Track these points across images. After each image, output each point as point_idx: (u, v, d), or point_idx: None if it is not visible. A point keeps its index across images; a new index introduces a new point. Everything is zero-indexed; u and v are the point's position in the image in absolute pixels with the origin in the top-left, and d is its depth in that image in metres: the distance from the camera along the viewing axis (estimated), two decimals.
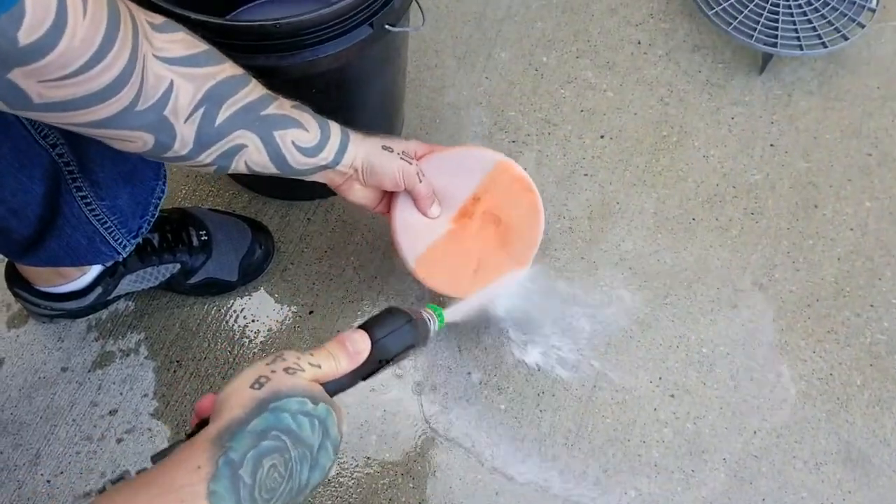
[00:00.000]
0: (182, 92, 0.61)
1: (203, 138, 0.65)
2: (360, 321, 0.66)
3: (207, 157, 0.67)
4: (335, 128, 0.78)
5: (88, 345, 1.00)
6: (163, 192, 0.89)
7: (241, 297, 1.04)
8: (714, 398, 0.99)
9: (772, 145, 1.16)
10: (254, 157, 0.71)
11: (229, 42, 0.78)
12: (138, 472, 0.49)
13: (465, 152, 0.89)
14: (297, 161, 0.75)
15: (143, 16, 0.59)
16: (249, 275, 1.02)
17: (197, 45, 0.64)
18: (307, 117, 0.75)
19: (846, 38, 1.18)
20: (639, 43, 1.25)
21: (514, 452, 0.95)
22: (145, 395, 0.98)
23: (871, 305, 1.05)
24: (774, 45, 1.17)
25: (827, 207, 1.12)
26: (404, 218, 0.88)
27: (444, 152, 0.87)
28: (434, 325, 0.71)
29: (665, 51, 1.24)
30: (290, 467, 0.50)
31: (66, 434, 0.95)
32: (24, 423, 0.96)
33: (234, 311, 1.03)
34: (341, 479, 0.94)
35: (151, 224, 0.88)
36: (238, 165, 0.71)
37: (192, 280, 0.99)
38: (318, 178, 0.80)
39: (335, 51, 0.81)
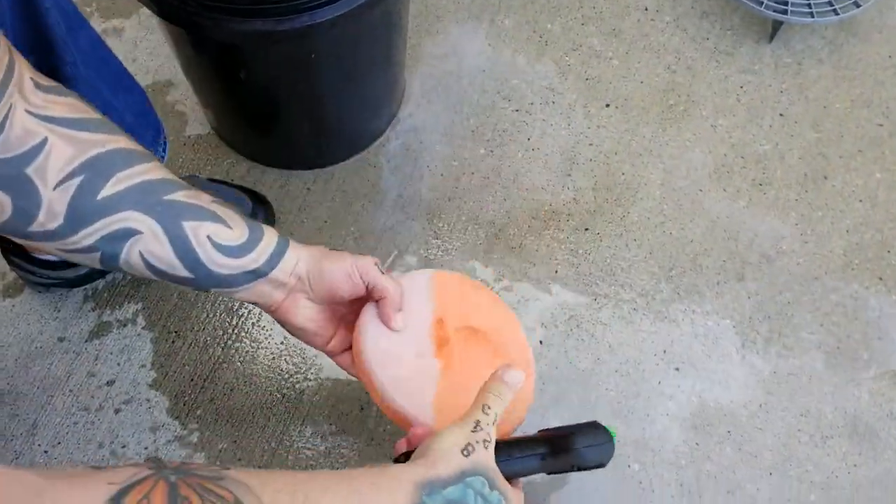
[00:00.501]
0: (56, 153, 0.53)
1: (78, 212, 0.55)
2: None
3: (86, 237, 0.56)
4: (269, 231, 0.65)
5: (85, 315, 0.99)
6: (163, 158, 0.88)
7: None
8: (720, 371, 0.98)
9: (781, 115, 1.14)
10: (152, 248, 0.58)
11: (225, 6, 0.76)
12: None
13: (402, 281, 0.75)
14: (215, 261, 0.61)
15: (30, 73, 0.54)
16: None
17: (88, 112, 0.56)
18: (231, 214, 0.62)
19: (858, 6, 1.15)
20: (646, 9, 1.22)
21: None
22: (143, 366, 0.97)
23: (880, 279, 1.03)
24: (785, 11, 1.14)
25: (836, 178, 1.10)
26: (383, 369, 0.71)
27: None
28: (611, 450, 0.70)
29: (672, 17, 1.21)
30: None
31: (63, 404, 0.94)
32: (21, 393, 0.95)
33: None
34: (342, 451, 0.93)
35: None
36: (131, 255, 0.58)
37: None
38: (250, 296, 0.65)
39: (333, 15, 0.79)
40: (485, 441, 0.59)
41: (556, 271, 1.03)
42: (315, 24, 0.79)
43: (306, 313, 0.69)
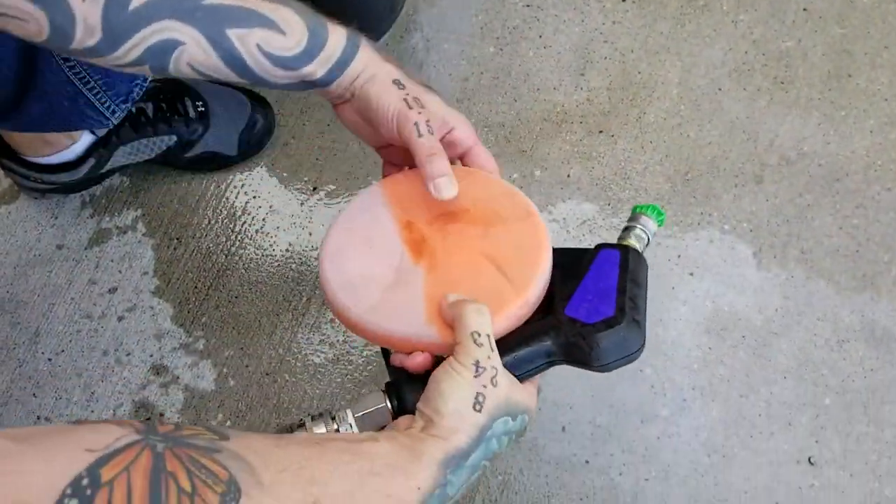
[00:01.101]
0: None
1: (114, 25, 0.51)
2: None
3: (129, 53, 0.53)
4: (337, 33, 0.58)
5: (83, 221, 0.96)
6: None
7: (241, 173, 0.99)
8: (735, 276, 0.96)
9: (805, 9, 1.08)
10: (199, 59, 0.55)
11: None
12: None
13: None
14: (268, 72, 0.57)
15: None
16: (249, 149, 0.97)
17: None
18: (287, 16, 0.56)
19: None
20: None
21: None
22: (145, 273, 0.94)
23: None
24: None
25: (861, 76, 1.05)
26: (357, 301, 0.58)
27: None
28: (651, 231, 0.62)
29: None
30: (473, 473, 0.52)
31: (65, 312, 0.93)
32: (21, 301, 0.93)
33: (235, 187, 0.98)
34: (351, 357, 0.91)
35: (144, 90, 0.83)
36: (180, 68, 0.55)
37: (190, 154, 0.94)
38: (305, 94, 0.67)
39: None
40: (492, 379, 0.51)
41: (569, 175, 0.99)
42: None
43: (351, 123, 0.65)
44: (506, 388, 0.52)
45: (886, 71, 1.05)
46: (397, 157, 0.65)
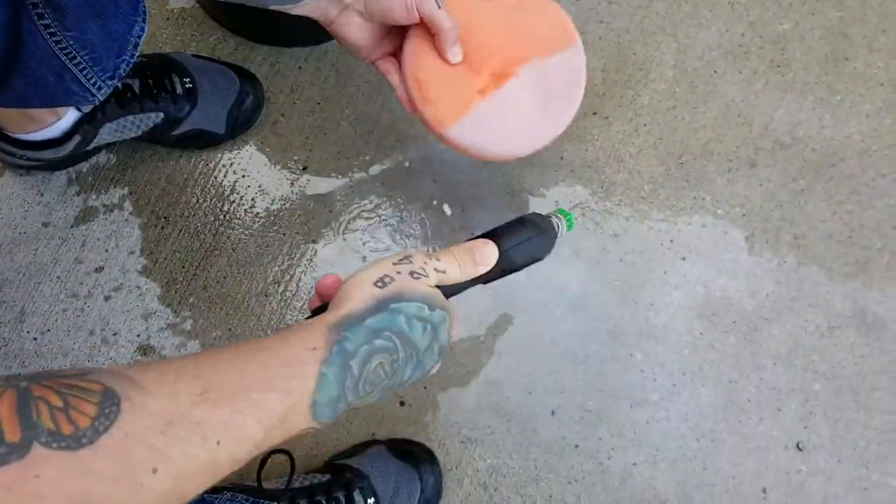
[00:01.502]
0: None
1: None
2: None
3: None
4: None
5: (70, 199, 0.95)
6: (142, 30, 0.81)
7: (230, 151, 0.97)
8: (727, 261, 0.95)
9: None
10: None
11: None
12: None
13: None
14: None
15: None
16: (238, 127, 0.95)
17: None
18: None
19: None
20: None
21: (517, 314, 0.92)
22: (132, 253, 0.93)
23: None
24: None
25: (858, 60, 1.04)
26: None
27: None
28: (562, 229, 0.67)
29: None
30: (396, 367, 0.50)
31: (50, 291, 0.91)
32: (7, 279, 0.92)
33: (223, 166, 0.97)
34: None
35: (130, 66, 0.80)
36: None
37: (177, 131, 0.92)
38: (308, 10, 0.68)
39: None
40: (412, 273, 0.52)
41: (562, 157, 0.98)
42: None
43: (358, 32, 0.71)
44: (422, 285, 0.52)
45: (884, 55, 1.04)
46: (394, 46, 0.75)
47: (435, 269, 0.54)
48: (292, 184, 0.96)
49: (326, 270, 0.93)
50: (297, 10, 0.68)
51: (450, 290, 0.56)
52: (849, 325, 0.93)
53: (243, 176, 0.96)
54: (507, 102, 0.74)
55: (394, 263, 0.52)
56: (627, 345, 0.92)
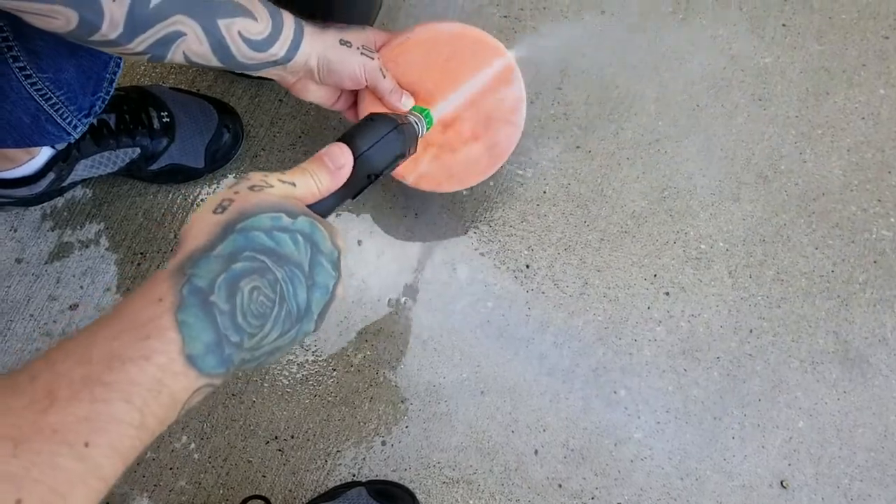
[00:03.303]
0: None
1: (136, 21, 0.57)
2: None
3: (141, 43, 0.59)
4: (288, 19, 0.69)
5: (44, 235, 0.93)
6: (118, 66, 0.80)
7: (210, 186, 0.96)
8: (711, 296, 0.95)
9: (784, 25, 1.07)
10: (193, 48, 0.63)
11: None
12: None
13: (423, 30, 0.80)
14: (244, 55, 0.66)
15: None
16: (217, 161, 0.94)
17: None
18: (257, 5, 0.66)
19: None
20: None
21: (500, 351, 0.91)
22: (108, 290, 0.91)
23: (879, 200, 1.00)
24: None
25: (839, 94, 1.04)
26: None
27: (404, 39, 0.79)
28: (422, 128, 0.66)
29: None
30: (280, 289, 0.44)
31: (23, 330, 0.89)
32: None
33: (202, 201, 0.95)
34: (319, 378, 0.89)
35: (106, 102, 0.79)
36: (175, 55, 0.63)
37: (155, 166, 0.91)
38: (269, 75, 0.72)
39: None
40: (252, 187, 0.46)
41: (545, 191, 0.98)
42: None
43: (315, 94, 0.77)
44: (268, 196, 0.46)
45: (864, 89, 1.04)
46: (351, 101, 0.81)
47: (280, 181, 0.48)
48: None
49: None
50: (256, 74, 0.71)
51: (319, 209, 0.51)
52: (832, 361, 0.93)
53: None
54: (454, 144, 0.82)
55: (229, 187, 0.47)
56: (611, 382, 0.91)
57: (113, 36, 0.57)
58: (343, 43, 0.73)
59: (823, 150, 1.01)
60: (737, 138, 1.01)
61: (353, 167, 0.53)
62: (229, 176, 0.96)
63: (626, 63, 1.04)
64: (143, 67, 1.00)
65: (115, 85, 0.80)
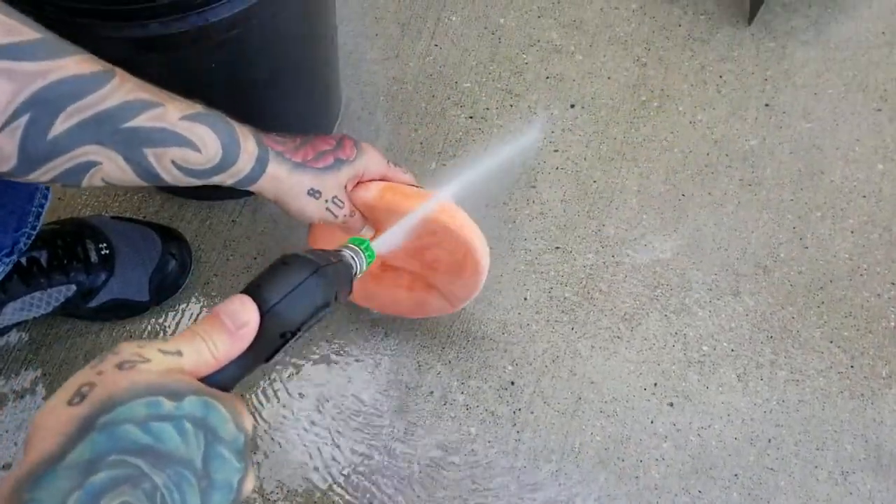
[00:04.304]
0: None
1: (31, 153, 0.49)
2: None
3: (43, 175, 0.51)
4: (249, 146, 0.59)
5: None
6: (45, 197, 0.73)
7: (157, 318, 0.87)
8: (720, 404, 0.85)
9: (767, 105, 1.01)
10: (114, 175, 0.54)
11: (91, 7, 0.62)
12: None
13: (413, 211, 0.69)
14: (179, 180, 0.58)
15: None
16: (164, 292, 0.86)
17: (24, 33, 0.47)
18: (203, 134, 0.56)
19: None
20: None
21: (488, 482, 0.81)
22: None
23: (892, 283, 0.91)
24: None
25: (834, 173, 0.97)
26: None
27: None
28: (361, 263, 0.56)
29: (639, 4, 1.08)
30: (160, 500, 0.34)
31: None
32: None
33: (150, 337, 0.87)
34: None
35: (32, 239, 0.72)
36: (93, 182, 0.55)
37: (94, 303, 0.83)
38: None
39: (231, 13, 0.65)
40: (122, 364, 0.37)
41: (525, 298, 0.89)
42: (209, 24, 0.65)
43: (273, 206, 0.71)
44: (144, 374, 0.37)
45: (861, 165, 0.97)
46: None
47: (161, 351, 0.39)
48: None
49: (274, 417, 0.82)
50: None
51: (218, 381, 0.41)
52: (863, 469, 0.82)
53: None
54: (393, 284, 0.80)
55: (91, 366, 0.37)
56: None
57: (6, 169, 0.50)
58: (311, 193, 0.65)
59: (825, 233, 0.93)
60: (729, 227, 0.93)
61: (261, 325, 0.43)
62: (179, 307, 0.88)
63: (601, 156, 0.97)
64: (84, 196, 0.94)
65: (41, 220, 0.73)
